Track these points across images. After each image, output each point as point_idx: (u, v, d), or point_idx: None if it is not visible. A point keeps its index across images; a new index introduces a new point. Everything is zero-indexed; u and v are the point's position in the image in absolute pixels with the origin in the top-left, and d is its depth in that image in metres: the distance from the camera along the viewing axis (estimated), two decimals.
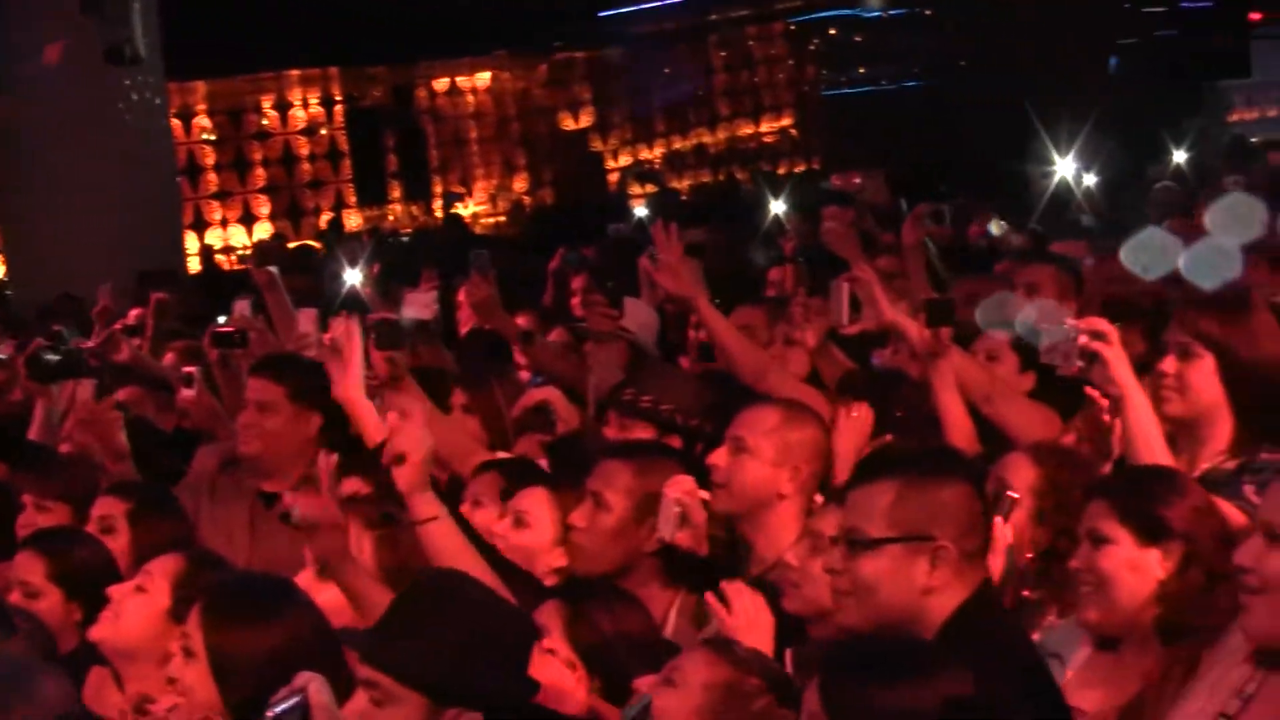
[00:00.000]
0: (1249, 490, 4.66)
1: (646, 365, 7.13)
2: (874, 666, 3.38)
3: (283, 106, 23.94)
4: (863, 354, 7.31)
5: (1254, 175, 11.96)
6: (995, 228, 11.89)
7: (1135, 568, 4.18)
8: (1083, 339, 4.79)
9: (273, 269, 8.53)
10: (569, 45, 24.91)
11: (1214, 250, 6.03)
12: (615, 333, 7.57)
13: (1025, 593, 4.71)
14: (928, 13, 25.36)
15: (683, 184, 25.35)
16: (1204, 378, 4.85)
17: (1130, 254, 6.61)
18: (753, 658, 4.14)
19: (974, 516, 4.06)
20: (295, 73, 23.23)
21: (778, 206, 13.72)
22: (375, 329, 6.32)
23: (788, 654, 4.38)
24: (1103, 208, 12.57)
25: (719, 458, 5.36)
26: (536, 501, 5.58)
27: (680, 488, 5.16)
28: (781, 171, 24.78)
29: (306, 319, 7.75)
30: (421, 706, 3.94)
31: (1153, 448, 4.67)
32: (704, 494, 5.26)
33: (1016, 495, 4.75)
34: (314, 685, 3.68)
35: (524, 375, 8.14)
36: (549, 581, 5.30)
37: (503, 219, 24.41)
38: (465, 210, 23.55)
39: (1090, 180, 12.87)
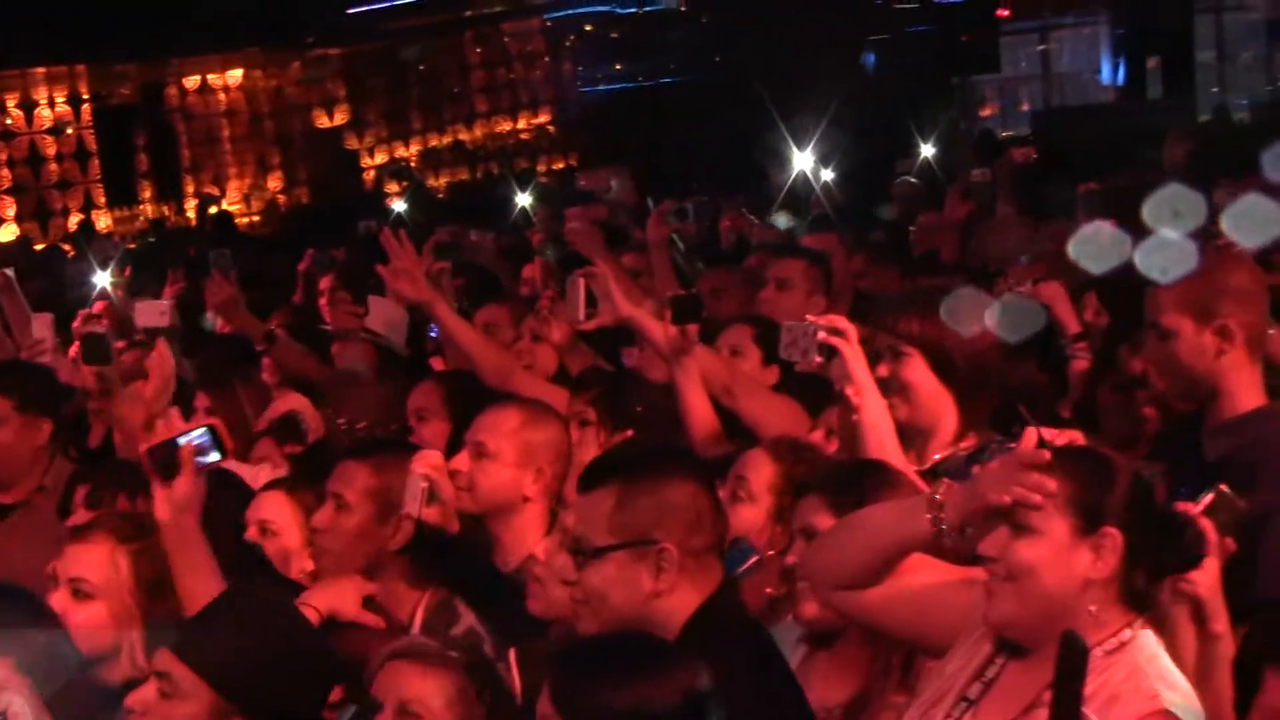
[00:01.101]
0: None
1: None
2: (607, 665, 3.32)
3: (28, 105, 23.38)
4: (613, 350, 7.29)
5: (998, 169, 12.14)
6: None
7: None
8: (821, 334, 4.79)
9: (9, 271, 8.32)
10: (322, 42, 24.65)
11: (1168, 244, 6.08)
12: (361, 332, 7.48)
13: (768, 590, 4.68)
14: (684, 9, 25.50)
15: (440, 181, 25.23)
16: (917, 374, 4.89)
17: (1077, 248, 6.67)
18: (454, 648, 4.08)
19: (700, 515, 4.00)
20: (41, 70, 22.67)
21: (524, 200, 13.68)
22: (81, 343, 6.23)
23: (511, 652, 4.32)
24: (842, 202, 12.67)
25: (461, 462, 5.30)
26: (277, 507, 5.50)
27: (427, 463, 5.08)
28: (541, 168, 24.78)
29: (41, 324, 7.58)
30: (206, 708, 3.90)
31: (884, 445, 4.69)
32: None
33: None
34: (15, 704, 3.57)
35: (267, 377, 8.00)
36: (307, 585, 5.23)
37: (257, 218, 24.11)
38: (218, 210, 23.19)
39: (828, 175, 12.96)
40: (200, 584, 4.56)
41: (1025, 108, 29.49)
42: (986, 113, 28.31)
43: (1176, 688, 3.55)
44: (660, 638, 3.74)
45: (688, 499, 3.99)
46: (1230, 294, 4.80)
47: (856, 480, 4.31)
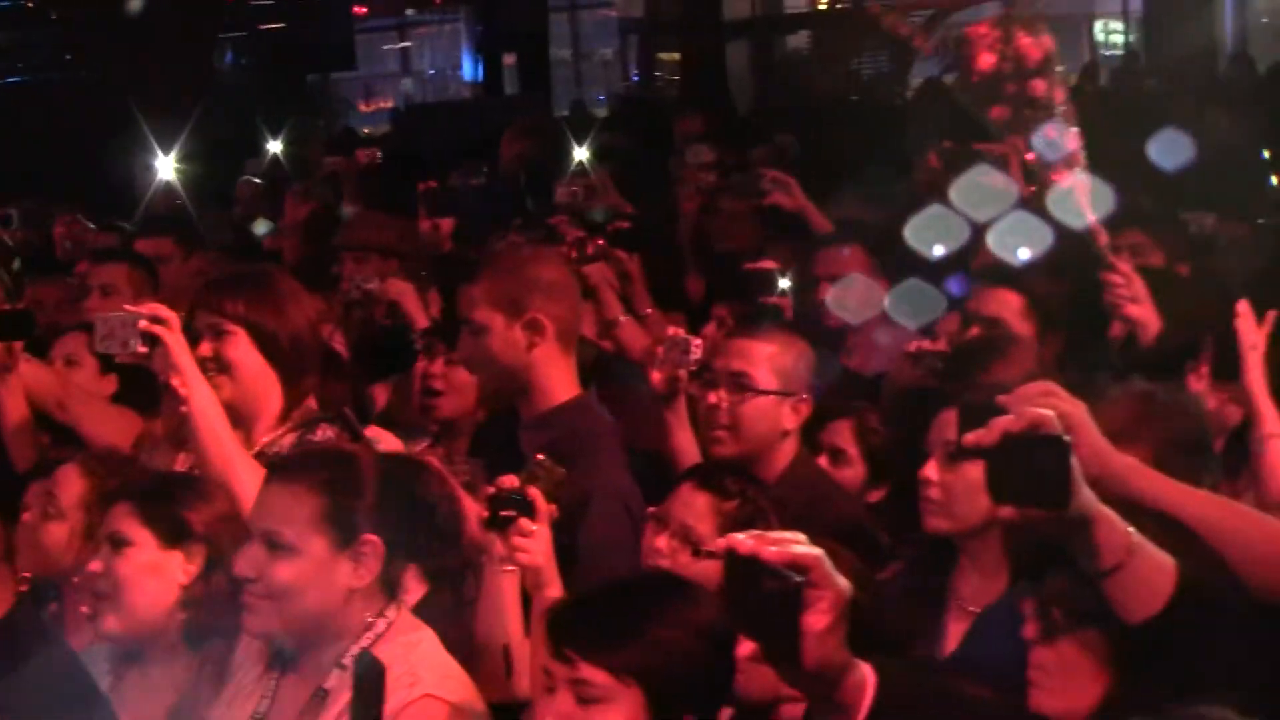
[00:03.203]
0: None
1: None
2: None
3: None
4: None
5: (344, 169, 12.15)
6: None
7: (157, 571, 4.15)
8: (143, 323, 4.69)
9: None
10: None
11: (1022, 221, 6.12)
12: None
13: (83, 609, 4.57)
14: (30, 4, 24.58)
15: None
16: (241, 352, 4.88)
17: (914, 233, 6.63)
18: None
19: None
20: None
21: None
22: None
23: None
24: (190, 202, 12.44)
25: None
26: None
27: None
28: None
29: None
30: None
31: (215, 431, 4.62)
32: None
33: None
34: None
35: None
36: None
37: None
38: None
39: (170, 176, 12.68)
40: None
41: (387, 105, 29.78)
42: (363, 108, 28.48)
43: (435, 670, 3.64)
44: None
45: None
46: (539, 288, 4.92)
47: (170, 489, 4.30)
